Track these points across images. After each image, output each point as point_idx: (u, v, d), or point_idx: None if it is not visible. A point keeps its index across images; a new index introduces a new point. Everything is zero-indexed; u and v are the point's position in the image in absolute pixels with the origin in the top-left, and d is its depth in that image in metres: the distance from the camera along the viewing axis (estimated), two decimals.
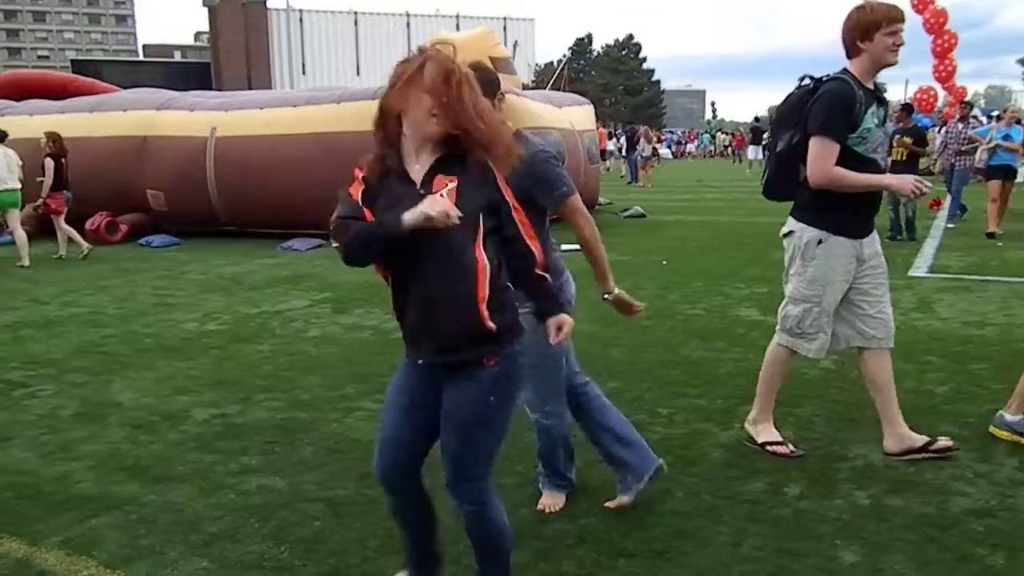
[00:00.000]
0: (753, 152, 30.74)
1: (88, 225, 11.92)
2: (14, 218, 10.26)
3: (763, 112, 49.79)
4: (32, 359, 5.73)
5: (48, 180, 10.48)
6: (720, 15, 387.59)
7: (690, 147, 53.60)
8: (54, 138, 10.75)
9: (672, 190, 22.00)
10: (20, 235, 10.19)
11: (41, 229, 12.51)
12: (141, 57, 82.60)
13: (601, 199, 15.93)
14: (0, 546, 3.08)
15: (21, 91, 15.22)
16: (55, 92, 14.99)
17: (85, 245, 10.78)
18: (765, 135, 25.36)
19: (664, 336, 6.12)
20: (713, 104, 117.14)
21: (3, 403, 4.79)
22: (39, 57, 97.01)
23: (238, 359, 5.69)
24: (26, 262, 10.00)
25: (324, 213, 11.06)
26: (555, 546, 3.01)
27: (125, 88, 15.53)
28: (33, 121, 13.39)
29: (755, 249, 10.02)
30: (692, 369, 5.23)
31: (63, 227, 10.83)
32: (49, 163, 10.50)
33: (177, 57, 79.74)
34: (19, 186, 10.23)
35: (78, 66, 43.95)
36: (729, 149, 47.72)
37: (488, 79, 2.68)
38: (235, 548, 3.04)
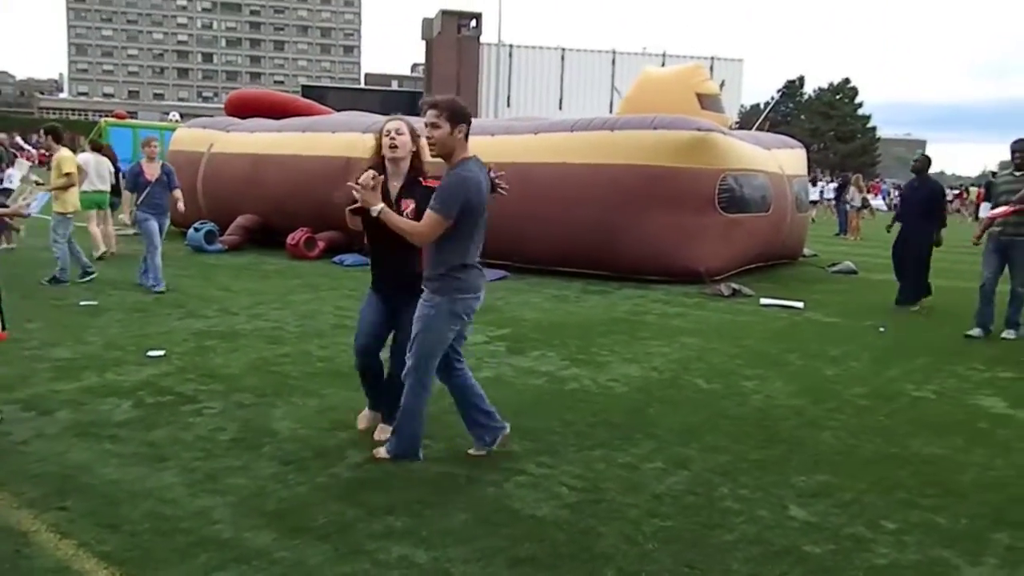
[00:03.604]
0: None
1: (289, 240, 12.35)
2: (94, 217, 11.44)
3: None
4: (208, 373, 5.72)
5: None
6: (946, 62, 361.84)
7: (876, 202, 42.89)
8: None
9: (886, 245, 20.04)
10: (94, 231, 11.37)
11: (250, 240, 13.20)
12: (362, 85, 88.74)
13: (806, 250, 14.66)
14: None
15: (246, 108, 15.90)
16: (277, 111, 15.64)
17: (102, 248, 11.44)
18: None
19: (885, 423, 5.16)
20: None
21: (170, 418, 4.72)
22: (275, 82, 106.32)
23: None
24: (96, 253, 11.03)
25: (514, 244, 10.52)
26: None
27: (339, 111, 16.03)
28: (252, 138, 14.18)
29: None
30: (925, 471, 4.29)
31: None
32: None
33: (394, 86, 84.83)
34: (108, 189, 11.74)
35: (307, 91, 47.70)
36: (951, 205, 43.33)
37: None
38: None
